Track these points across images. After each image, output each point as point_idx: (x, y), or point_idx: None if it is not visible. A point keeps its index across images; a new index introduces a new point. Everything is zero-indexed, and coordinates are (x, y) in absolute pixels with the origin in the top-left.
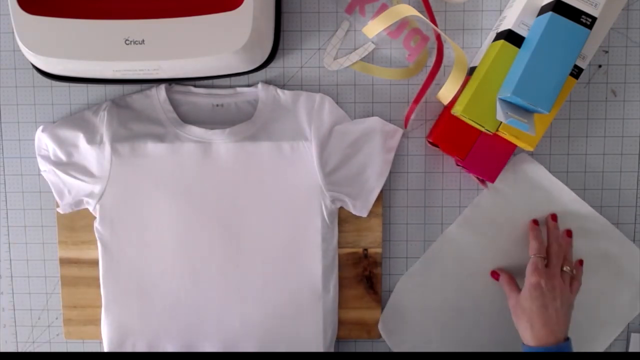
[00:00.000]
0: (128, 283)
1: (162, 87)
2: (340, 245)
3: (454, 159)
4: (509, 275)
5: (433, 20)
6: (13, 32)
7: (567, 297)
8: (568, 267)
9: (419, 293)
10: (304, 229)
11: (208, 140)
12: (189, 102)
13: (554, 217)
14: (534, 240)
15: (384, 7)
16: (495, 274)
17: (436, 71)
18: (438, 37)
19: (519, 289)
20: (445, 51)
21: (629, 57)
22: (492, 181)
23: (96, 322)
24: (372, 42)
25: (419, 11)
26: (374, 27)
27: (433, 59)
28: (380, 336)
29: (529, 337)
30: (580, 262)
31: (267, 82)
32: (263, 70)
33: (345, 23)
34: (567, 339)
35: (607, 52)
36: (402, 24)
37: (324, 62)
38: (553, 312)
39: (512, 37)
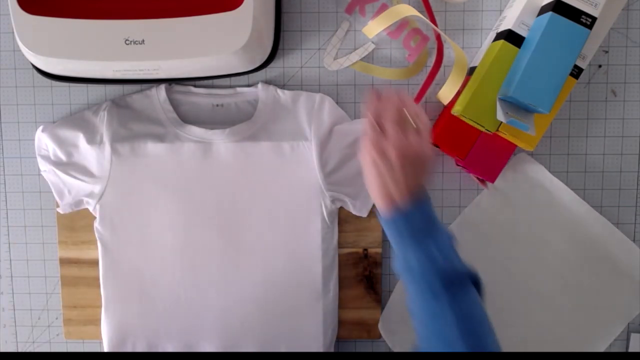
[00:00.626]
0: (128, 283)
1: (162, 87)
2: (340, 245)
3: (454, 159)
4: (372, 121)
5: (433, 20)
6: (13, 32)
7: (410, 164)
8: (411, 120)
9: None
10: (304, 229)
11: (208, 140)
12: (189, 102)
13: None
14: (368, 115)
15: (384, 7)
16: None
17: (436, 71)
18: (438, 37)
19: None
20: (445, 51)
21: (629, 57)
22: (492, 181)
23: (96, 322)
24: (372, 42)
25: (419, 11)
26: (374, 27)
27: (433, 59)
28: (380, 336)
29: (378, 207)
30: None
31: (267, 82)
32: (263, 70)
33: (345, 23)
34: (421, 197)
35: (607, 52)
36: (402, 24)
37: (324, 62)
38: (392, 186)
39: (512, 37)
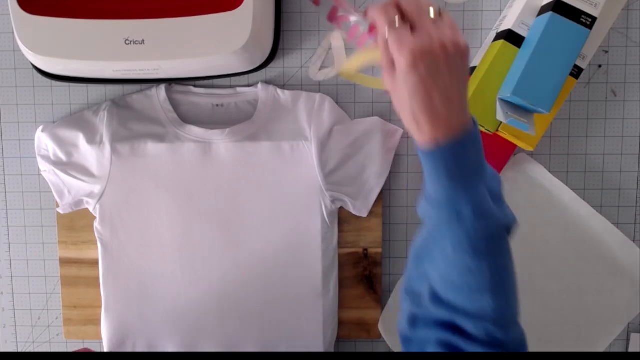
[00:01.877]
0: (128, 283)
1: (162, 87)
2: (340, 245)
3: None
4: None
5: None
6: (13, 32)
7: (454, 63)
8: (433, 11)
9: None
10: (304, 229)
11: (208, 140)
12: (189, 102)
13: None
14: (379, 13)
15: (355, 29)
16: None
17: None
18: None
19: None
20: None
21: (629, 57)
22: None
23: (96, 322)
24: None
25: None
26: (350, 67)
27: None
28: (380, 336)
29: (419, 138)
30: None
31: (267, 82)
32: (263, 70)
33: (331, 34)
34: (471, 121)
35: (607, 52)
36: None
37: (309, 73)
38: (440, 101)
39: (512, 37)
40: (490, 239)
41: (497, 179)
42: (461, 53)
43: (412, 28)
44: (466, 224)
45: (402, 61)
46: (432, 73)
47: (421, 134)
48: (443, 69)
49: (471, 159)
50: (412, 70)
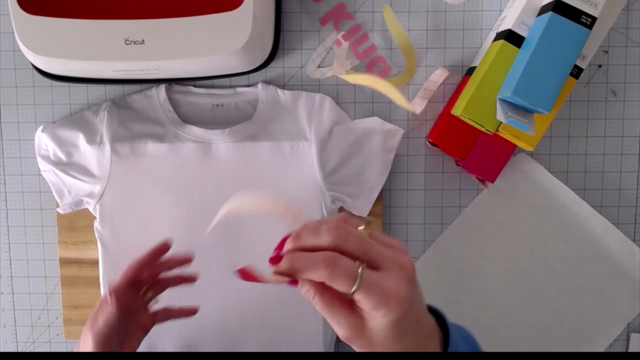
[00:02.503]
0: None
1: (162, 87)
2: None
3: (454, 159)
4: (328, 295)
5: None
6: (13, 32)
7: (419, 300)
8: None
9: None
10: None
11: (208, 140)
12: (189, 102)
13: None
14: (333, 276)
15: (357, 29)
16: (294, 282)
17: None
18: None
19: (350, 311)
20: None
21: (629, 57)
22: (492, 181)
23: None
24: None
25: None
26: (351, 79)
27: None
28: None
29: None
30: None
31: (267, 82)
32: (263, 70)
33: (335, 33)
34: (444, 334)
35: (607, 52)
36: (368, 49)
37: (307, 69)
38: (424, 322)
39: (512, 37)
40: None
41: (469, 337)
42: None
43: (374, 267)
44: None
45: (389, 315)
46: (416, 294)
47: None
48: (416, 307)
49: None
50: (402, 320)
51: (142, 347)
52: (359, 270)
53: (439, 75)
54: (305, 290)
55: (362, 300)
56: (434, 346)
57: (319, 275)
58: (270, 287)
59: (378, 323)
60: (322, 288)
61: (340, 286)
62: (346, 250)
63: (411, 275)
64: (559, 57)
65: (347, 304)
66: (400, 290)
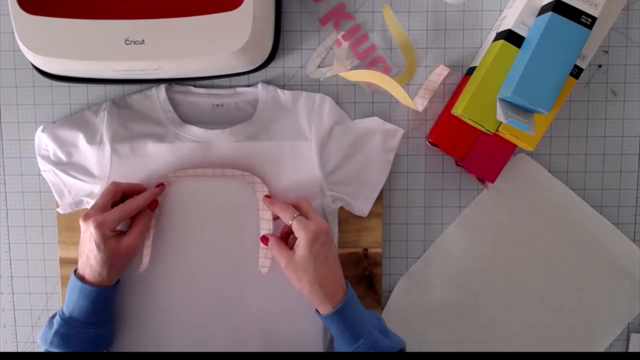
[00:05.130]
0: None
1: (162, 87)
2: (340, 245)
3: (454, 159)
4: (277, 238)
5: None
6: (13, 32)
7: (330, 238)
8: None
9: (419, 293)
10: None
11: (208, 140)
12: (189, 102)
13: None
14: (283, 208)
15: (357, 29)
16: (264, 239)
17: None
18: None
19: (289, 249)
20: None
21: (629, 57)
22: (492, 181)
23: None
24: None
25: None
26: (351, 77)
27: (427, 70)
28: None
29: (321, 300)
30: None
31: (267, 82)
32: (263, 70)
33: (335, 33)
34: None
35: (607, 52)
36: (369, 49)
37: (307, 69)
38: (333, 261)
39: (512, 37)
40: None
41: (377, 316)
42: (331, 235)
43: (307, 218)
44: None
45: (308, 234)
46: (327, 244)
47: (324, 294)
48: (330, 243)
49: (360, 310)
50: (314, 242)
51: (148, 344)
52: (296, 214)
53: (439, 74)
54: (270, 243)
55: (294, 226)
56: (340, 290)
57: (282, 217)
58: (270, 287)
59: (300, 253)
60: (275, 239)
61: (284, 218)
62: (297, 207)
63: (322, 224)
64: (559, 57)
65: (288, 246)
66: (313, 226)
